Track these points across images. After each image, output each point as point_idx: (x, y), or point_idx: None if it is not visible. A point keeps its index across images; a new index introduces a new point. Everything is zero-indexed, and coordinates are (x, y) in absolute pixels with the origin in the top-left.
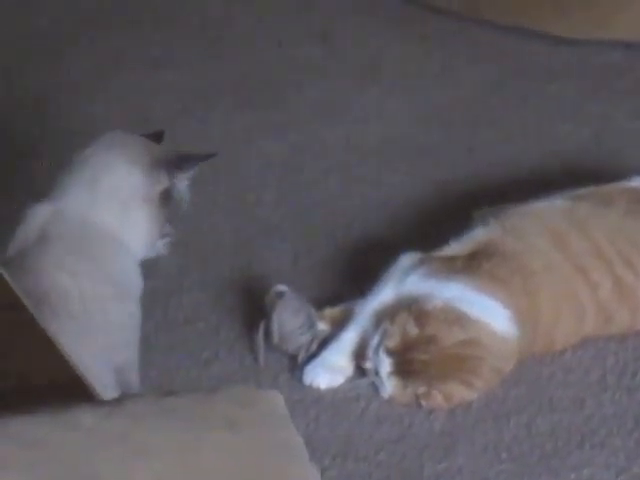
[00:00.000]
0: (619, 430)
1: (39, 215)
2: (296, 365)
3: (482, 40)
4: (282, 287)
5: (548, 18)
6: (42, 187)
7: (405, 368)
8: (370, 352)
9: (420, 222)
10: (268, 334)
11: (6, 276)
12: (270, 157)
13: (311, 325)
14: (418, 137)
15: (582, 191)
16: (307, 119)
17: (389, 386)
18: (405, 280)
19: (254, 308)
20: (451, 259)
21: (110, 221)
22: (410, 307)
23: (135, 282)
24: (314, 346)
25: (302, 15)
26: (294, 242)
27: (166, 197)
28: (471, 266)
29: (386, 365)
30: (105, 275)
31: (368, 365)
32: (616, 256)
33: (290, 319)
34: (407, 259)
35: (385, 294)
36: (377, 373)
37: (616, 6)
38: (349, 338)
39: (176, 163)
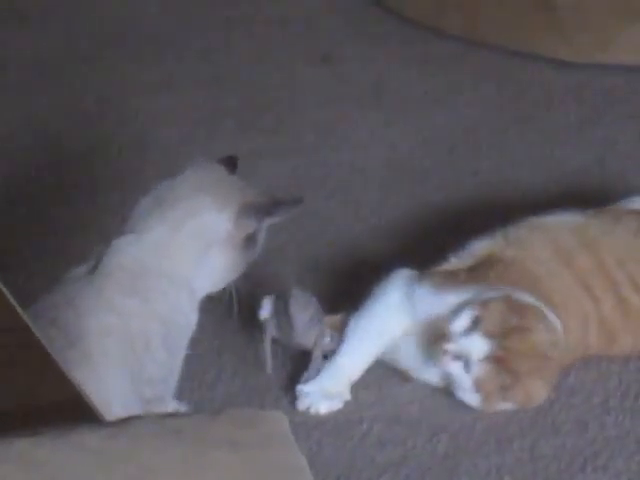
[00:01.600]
0: (622, 452)
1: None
2: (294, 387)
3: (484, 63)
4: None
5: (550, 41)
6: (49, 209)
7: (499, 355)
8: (455, 336)
9: (424, 246)
10: (279, 335)
11: (12, 299)
12: (273, 181)
13: (320, 317)
14: (421, 160)
15: (590, 211)
16: (310, 143)
17: (480, 370)
18: (413, 298)
19: (257, 330)
20: (452, 272)
21: (182, 263)
22: (505, 297)
23: (188, 320)
24: (327, 340)
25: (304, 39)
26: (297, 265)
27: (250, 241)
28: (476, 277)
29: (482, 347)
30: (156, 314)
31: (450, 347)
32: (624, 278)
33: (301, 314)
34: (400, 278)
35: (395, 320)
36: (461, 358)
37: (618, 29)
38: (344, 364)
39: (267, 209)
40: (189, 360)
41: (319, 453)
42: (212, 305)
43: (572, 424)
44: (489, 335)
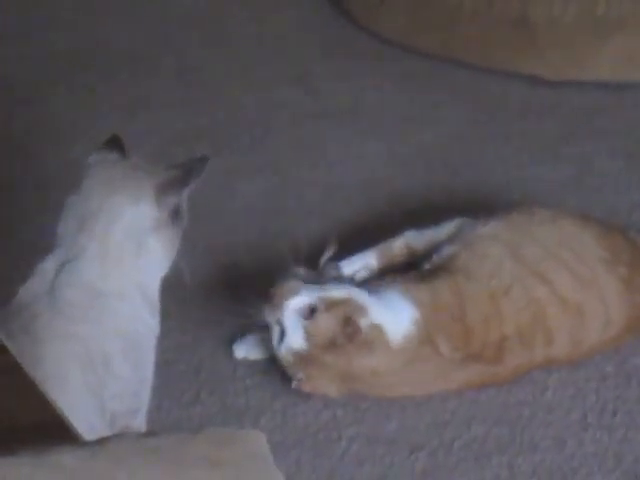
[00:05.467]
0: (600, 469)
1: (47, 272)
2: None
3: (461, 81)
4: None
5: (525, 59)
6: (26, 234)
7: (305, 355)
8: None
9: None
10: None
11: None
12: (251, 201)
13: None
14: (398, 178)
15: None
16: (287, 162)
17: (286, 353)
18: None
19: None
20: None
21: (125, 272)
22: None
23: (148, 326)
24: None
25: (279, 57)
26: (271, 283)
27: (176, 214)
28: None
29: (298, 339)
30: (113, 333)
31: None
32: (570, 256)
33: None
34: None
35: None
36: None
37: (592, 46)
38: None
39: (181, 180)
40: (167, 379)
41: (298, 472)
42: (190, 325)
43: (550, 441)
44: (309, 336)
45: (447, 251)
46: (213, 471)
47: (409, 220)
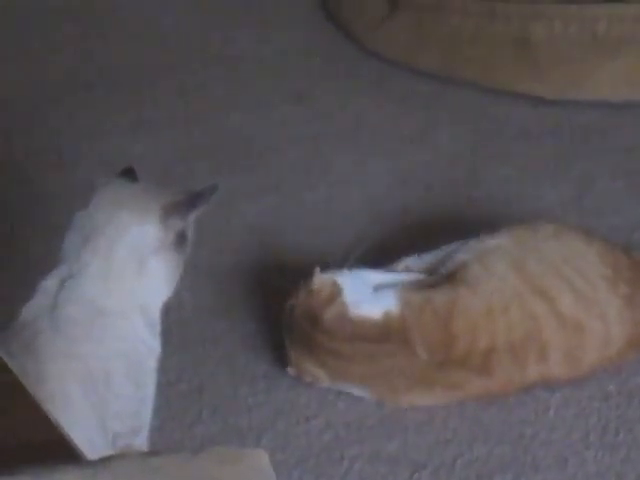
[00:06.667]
0: None
1: (50, 289)
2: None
3: (462, 101)
4: None
5: (525, 79)
6: (28, 253)
7: None
8: None
9: None
10: None
11: None
12: (251, 220)
13: None
14: (399, 198)
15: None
16: (288, 181)
17: None
18: None
19: (237, 369)
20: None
21: (127, 290)
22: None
23: (149, 347)
24: None
25: (279, 77)
26: (276, 305)
27: (181, 238)
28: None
29: None
30: (115, 353)
31: None
32: (573, 273)
33: None
34: None
35: None
36: None
37: (592, 66)
38: None
39: (188, 204)
40: (169, 399)
41: None
42: (192, 345)
43: (552, 460)
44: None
45: (460, 257)
46: None
47: (410, 239)
